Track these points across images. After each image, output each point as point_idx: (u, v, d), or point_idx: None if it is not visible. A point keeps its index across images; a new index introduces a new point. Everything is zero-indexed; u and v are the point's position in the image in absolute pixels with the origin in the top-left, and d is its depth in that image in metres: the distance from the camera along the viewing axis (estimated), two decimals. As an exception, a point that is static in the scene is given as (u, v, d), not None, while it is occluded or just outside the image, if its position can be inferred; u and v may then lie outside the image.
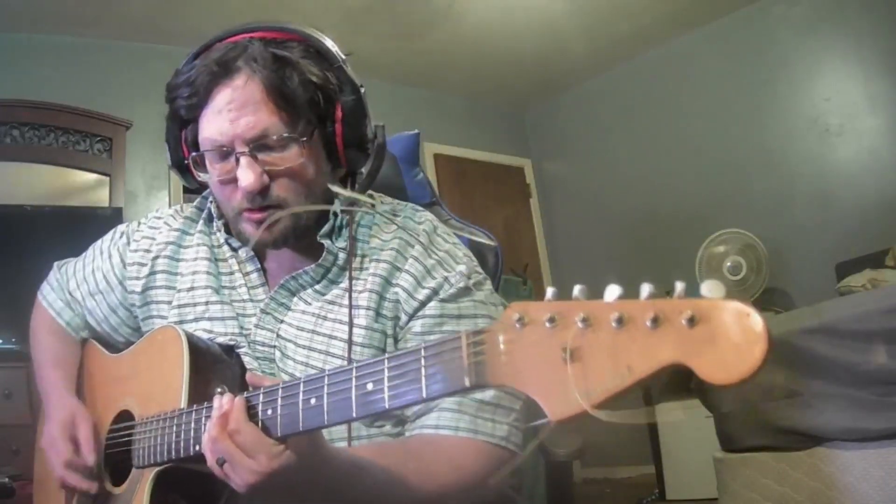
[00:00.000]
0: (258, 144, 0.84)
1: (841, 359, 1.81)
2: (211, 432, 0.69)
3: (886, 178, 3.49)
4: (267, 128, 0.84)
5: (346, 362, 0.87)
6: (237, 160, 0.85)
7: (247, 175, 0.84)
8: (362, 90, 0.91)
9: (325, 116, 0.89)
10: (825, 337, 1.86)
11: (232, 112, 0.84)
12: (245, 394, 0.71)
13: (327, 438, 0.85)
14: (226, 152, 0.86)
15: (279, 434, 0.68)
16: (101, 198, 3.34)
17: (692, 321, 0.40)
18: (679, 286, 0.42)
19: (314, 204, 0.89)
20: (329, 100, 0.88)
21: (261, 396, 0.70)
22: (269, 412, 0.68)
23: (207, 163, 0.89)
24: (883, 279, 2.87)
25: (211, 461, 0.70)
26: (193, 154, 0.90)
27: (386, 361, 0.59)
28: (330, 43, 0.90)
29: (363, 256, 0.93)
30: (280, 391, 0.68)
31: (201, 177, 0.90)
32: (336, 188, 0.91)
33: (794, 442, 1.89)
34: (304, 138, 0.86)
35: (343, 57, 0.91)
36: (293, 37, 0.88)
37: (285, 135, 0.84)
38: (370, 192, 1.01)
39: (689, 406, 3.08)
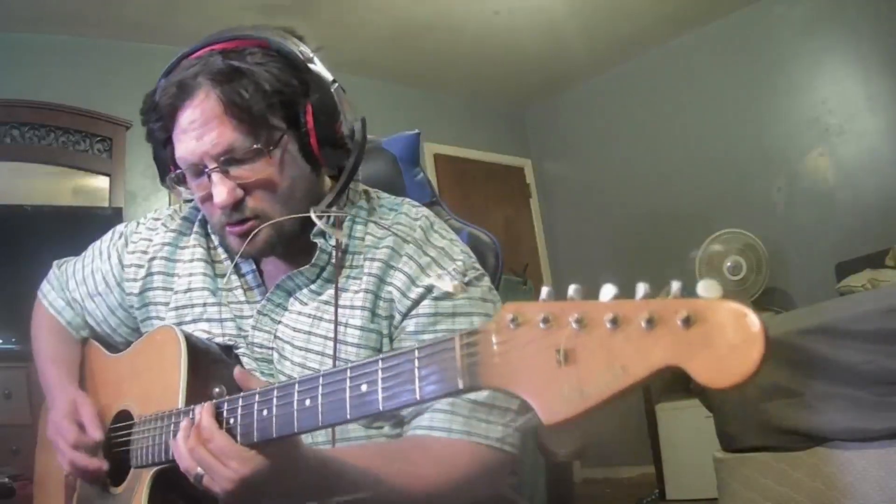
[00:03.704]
0: (227, 159, 0.84)
1: (841, 359, 1.81)
2: (190, 444, 0.69)
3: (886, 178, 3.48)
4: (231, 142, 0.83)
5: (341, 363, 0.87)
6: (209, 177, 0.85)
7: (219, 191, 0.84)
8: (334, 87, 0.89)
9: (295, 119, 0.87)
10: (825, 337, 1.85)
11: (195, 131, 0.84)
12: (241, 394, 0.71)
13: (323, 440, 0.85)
14: (199, 170, 0.86)
15: (273, 436, 0.67)
16: (101, 198, 3.34)
17: (688, 322, 0.39)
18: (675, 285, 0.41)
19: (294, 209, 0.88)
20: (293, 103, 0.87)
21: (256, 397, 0.69)
22: (265, 413, 0.68)
23: (188, 180, 0.89)
24: (883, 279, 2.87)
25: (189, 472, 0.70)
26: (171, 175, 0.90)
27: (380, 362, 0.59)
28: (293, 43, 0.88)
29: (358, 254, 0.92)
30: (275, 391, 0.68)
31: (184, 194, 0.91)
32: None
33: (794, 442, 1.88)
34: (270, 148, 0.85)
35: (310, 55, 0.89)
36: (252, 43, 0.87)
37: (252, 147, 0.84)
38: (365, 188, 1.01)
39: (689, 406, 3.08)
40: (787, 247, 3.70)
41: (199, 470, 0.69)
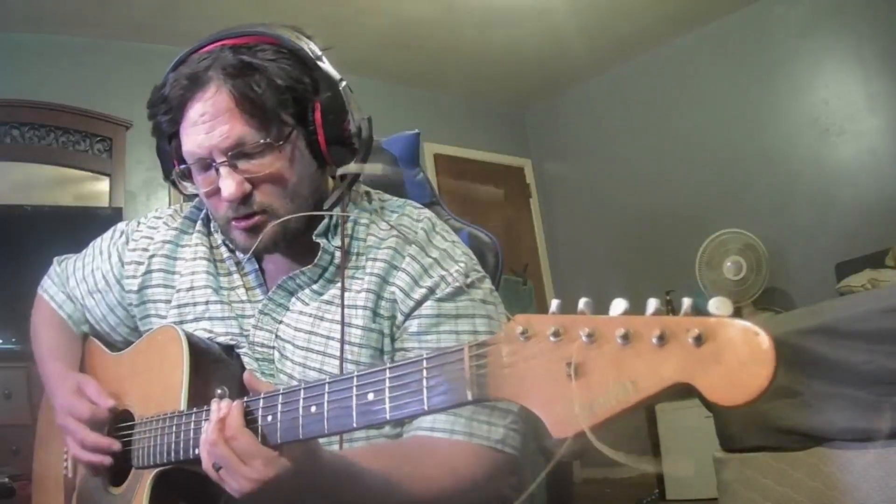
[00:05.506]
0: (236, 153, 0.84)
1: (841, 359, 1.81)
2: (209, 437, 0.69)
3: (886, 178, 3.48)
4: (241, 136, 0.83)
5: (343, 364, 0.87)
6: (217, 171, 0.85)
7: (227, 185, 0.84)
8: (342, 85, 0.90)
9: (304, 116, 0.88)
10: (825, 337, 1.85)
11: (206, 124, 0.84)
12: (245, 399, 0.71)
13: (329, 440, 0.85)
14: (206, 164, 0.86)
15: (277, 441, 0.67)
16: (101, 198, 3.34)
17: (699, 339, 0.39)
18: (686, 302, 0.41)
19: (300, 205, 0.88)
20: (303, 100, 0.87)
21: (260, 402, 0.69)
22: (269, 419, 0.68)
23: (193, 175, 0.89)
24: (883, 279, 2.87)
25: (207, 464, 0.70)
26: (177, 169, 0.90)
27: (387, 371, 0.59)
28: (304, 41, 0.89)
29: (360, 255, 0.92)
30: (280, 397, 0.68)
31: (189, 189, 0.91)
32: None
33: (794, 442, 1.89)
34: (280, 142, 0.85)
35: (318, 54, 0.90)
36: (263, 39, 0.87)
37: (261, 141, 0.84)
38: (367, 189, 1.01)
39: (689, 406, 3.08)
40: (787, 247, 3.70)
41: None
